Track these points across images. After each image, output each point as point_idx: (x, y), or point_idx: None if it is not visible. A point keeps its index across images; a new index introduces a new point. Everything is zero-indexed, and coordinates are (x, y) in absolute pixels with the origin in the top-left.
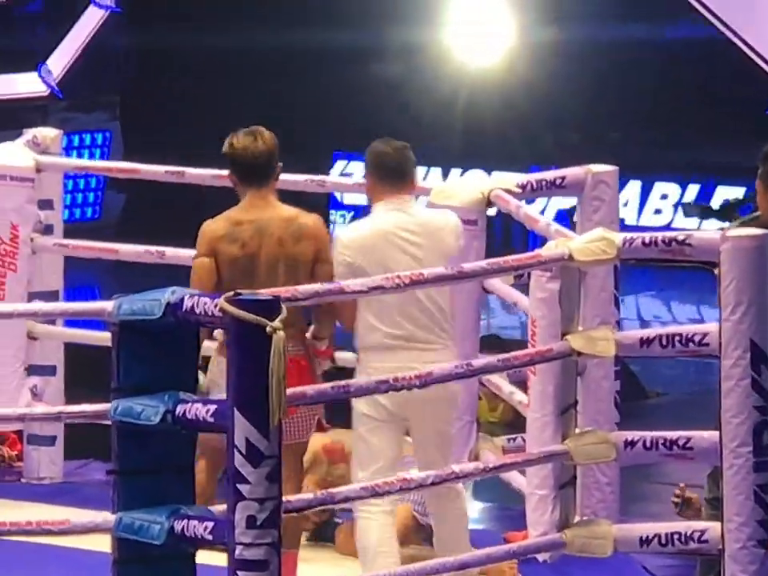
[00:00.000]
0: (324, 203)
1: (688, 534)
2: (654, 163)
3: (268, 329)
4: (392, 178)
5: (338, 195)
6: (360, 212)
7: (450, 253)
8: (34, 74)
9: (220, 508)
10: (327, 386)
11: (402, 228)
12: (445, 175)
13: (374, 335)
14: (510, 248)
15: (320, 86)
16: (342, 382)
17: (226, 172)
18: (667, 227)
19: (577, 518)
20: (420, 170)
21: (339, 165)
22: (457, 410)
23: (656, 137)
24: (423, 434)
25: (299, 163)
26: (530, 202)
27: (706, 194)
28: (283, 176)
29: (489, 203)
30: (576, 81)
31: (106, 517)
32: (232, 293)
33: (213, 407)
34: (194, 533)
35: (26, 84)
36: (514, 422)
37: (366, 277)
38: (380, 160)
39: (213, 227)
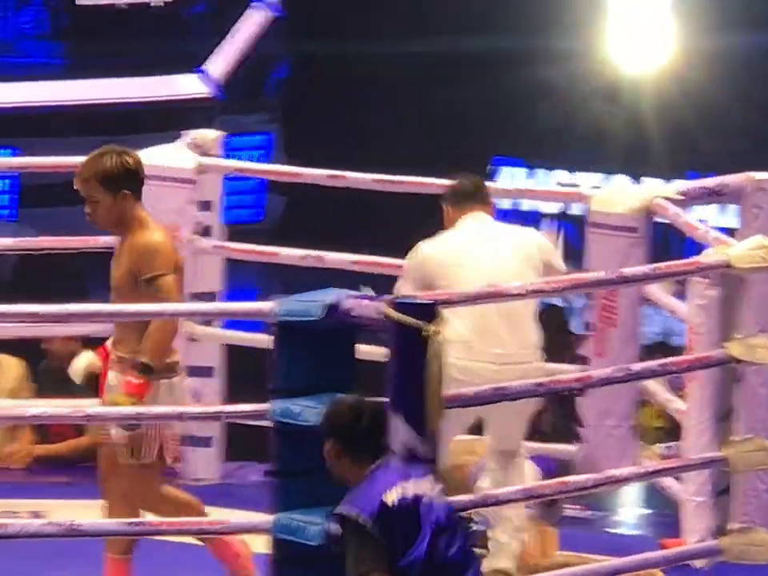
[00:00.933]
0: None
1: None
2: None
3: (425, 332)
4: (469, 200)
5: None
6: (526, 218)
7: (535, 265)
8: (196, 76)
9: None
10: (487, 388)
11: (486, 237)
12: (604, 181)
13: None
14: (668, 257)
15: (479, 91)
16: (501, 385)
17: (385, 176)
18: None
19: (733, 526)
20: (579, 177)
21: (501, 170)
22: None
23: None
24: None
25: (460, 169)
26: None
27: None
28: (440, 181)
29: (650, 211)
30: (739, 86)
31: (264, 518)
32: (393, 296)
33: None
34: None
35: (187, 85)
36: (680, 429)
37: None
38: (456, 189)
39: None
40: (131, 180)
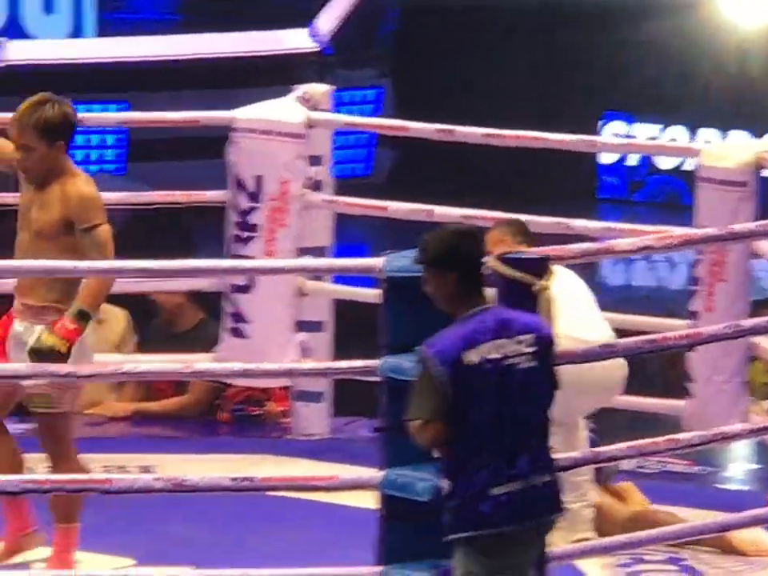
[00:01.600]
0: (591, 165)
1: None
2: None
3: (535, 287)
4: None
5: (604, 158)
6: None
7: None
8: (305, 30)
9: None
10: (596, 345)
11: None
12: (715, 136)
13: None
14: None
15: (589, 45)
16: (610, 342)
17: (494, 131)
18: None
19: None
20: (690, 132)
21: (610, 126)
22: None
23: None
24: None
25: (570, 124)
26: None
27: None
28: (552, 136)
29: (759, 165)
30: None
31: (373, 473)
32: (502, 252)
33: None
34: None
35: (296, 40)
36: None
37: None
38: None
39: None
40: (67, 131)
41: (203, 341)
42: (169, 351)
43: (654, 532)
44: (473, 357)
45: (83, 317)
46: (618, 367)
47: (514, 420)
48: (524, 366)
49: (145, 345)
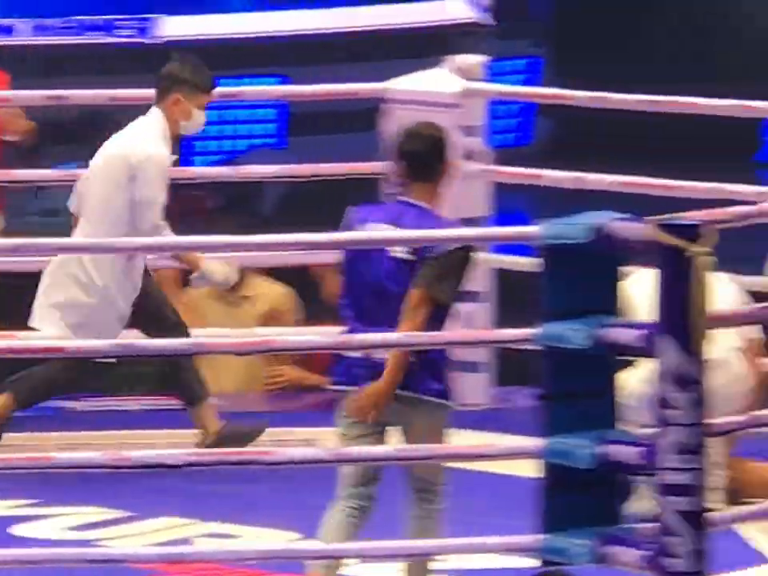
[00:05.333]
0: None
1: None
2: None
3: (691, 253)
4: None
5: None
6: None
7: None
8: (462, 0)
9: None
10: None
11: None
12: None
13: None
14: None
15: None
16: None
17: (648, 97)
18: None
19: None
20: None
21: None
22: None
23: None
24: None
25: (736, 88)
26: None
27: None
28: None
29: None
30: None
31: (534, 442)
32: (659, 218)
33: (639, 332)
34: (621, 458)
35: (453, 10)
36: None
37: None
38: None
39: None
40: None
41: None
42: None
43: None
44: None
45: None
46: (735, 381)
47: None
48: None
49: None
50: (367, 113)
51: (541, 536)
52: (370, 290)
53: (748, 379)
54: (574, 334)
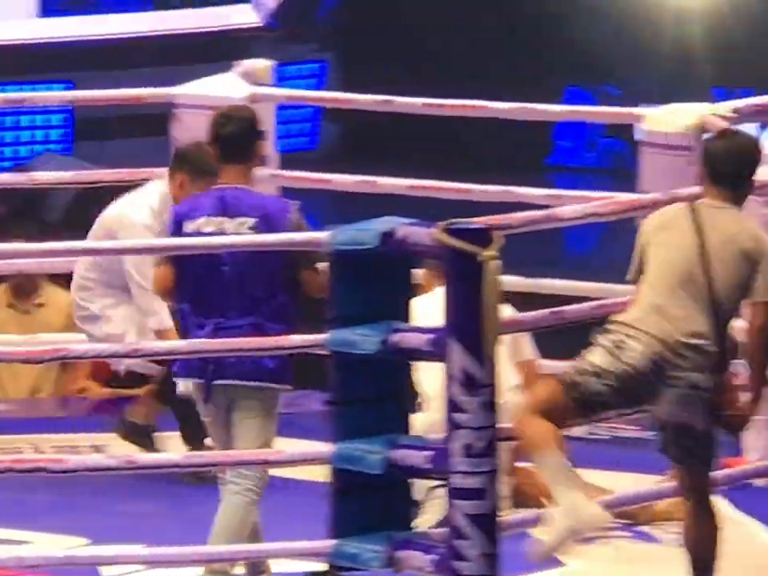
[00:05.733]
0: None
1: None
2: None
3: (481, 257)
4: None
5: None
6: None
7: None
8: (248, 6)
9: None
10: (545, 312)
11: None
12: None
13: None
14: None
15: (547, 17)
16: (557, 309)
17: (433, 101)
18: None
19: None
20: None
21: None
22: None
23: None
24: None
25: (529, 96)
26: None
27: None
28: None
29: (704, 129)
30: None
31: (324, 447)
32: (446, 222)
33: (429, 336)
34: (411, 462)
35: (239, 15)
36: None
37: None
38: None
39: None
40: None
41: None
42: None
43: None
44: (189, 227)
45: None
46: None
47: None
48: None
49: None
50: (156, 118)
51: (332, 541)
52: (209, 276)
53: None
54: (363, 339)
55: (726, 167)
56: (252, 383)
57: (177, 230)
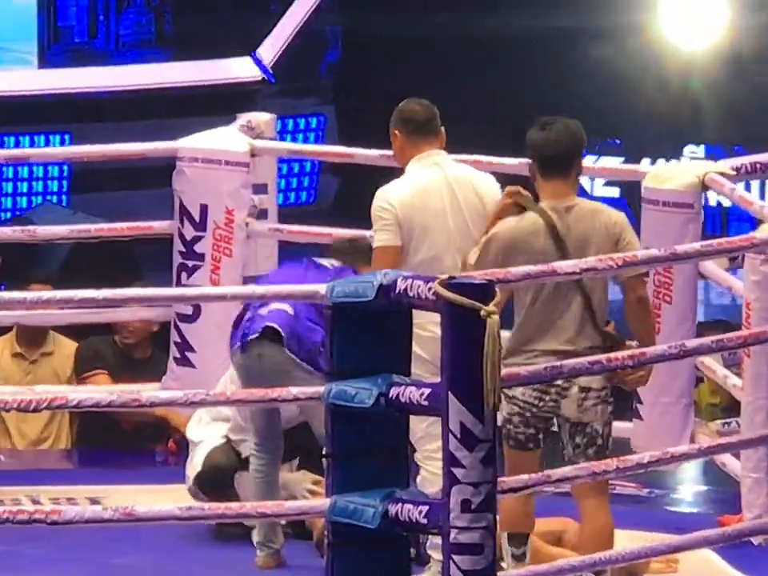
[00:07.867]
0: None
1: None
2: None
3: (482, 313)
4: (422, 131)
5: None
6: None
7: (488, 209)
8: (248, 59)
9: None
10: (539, 367)
11: (441, 183)
12: (659, 159)
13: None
14: (725, 235)
15: (530, 70)
16: (557, 363)
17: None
18: None
19: None
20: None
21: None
22: None
23: None
24: None
25: (513, 149)
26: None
27: None
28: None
29: (704, 187)
30: None
31: (321, 501)
32: (446, 276)
33: (427, 390)
34: (409, 517)
35: (240, 69)
36: (736, 406)
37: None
38: (408, 115)
39: None
40: None
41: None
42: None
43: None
44: None
45: None
46: None
47: None
48: None
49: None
50: (156, 171)
51: None
52: None
53: None
54: (360, 392)
55: (555, 155)
56: None
57: None
